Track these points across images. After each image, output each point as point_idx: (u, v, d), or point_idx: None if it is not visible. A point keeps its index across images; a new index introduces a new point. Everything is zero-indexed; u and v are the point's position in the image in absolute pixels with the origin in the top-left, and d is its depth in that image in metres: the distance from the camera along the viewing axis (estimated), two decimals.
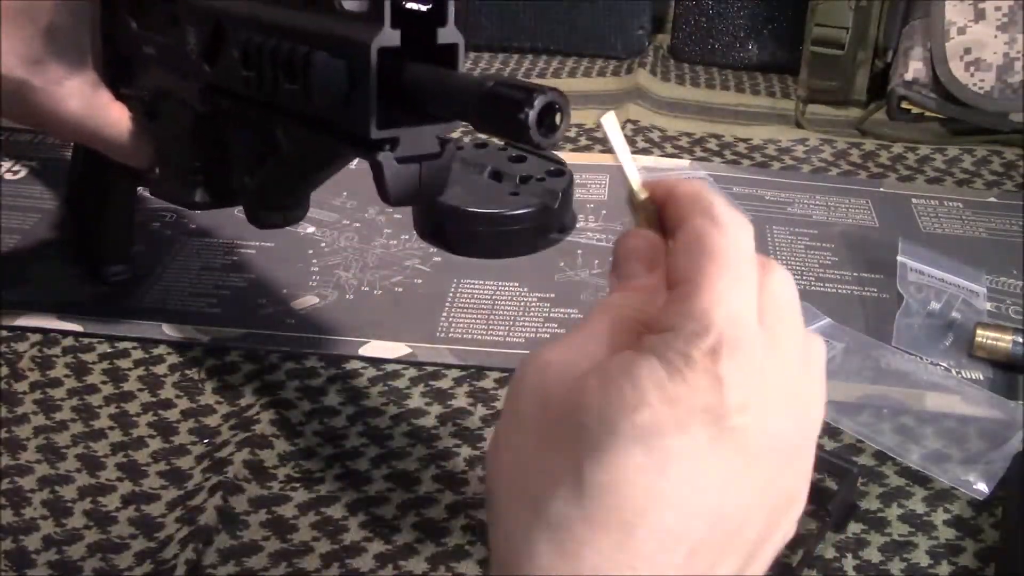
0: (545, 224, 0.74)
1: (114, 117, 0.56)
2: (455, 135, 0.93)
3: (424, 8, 0.38)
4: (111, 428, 0.57)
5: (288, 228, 0.75)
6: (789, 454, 0.31)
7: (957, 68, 0.92)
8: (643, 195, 0.34)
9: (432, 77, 0.37)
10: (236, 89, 0.46)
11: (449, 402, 0.60)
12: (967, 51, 0.92)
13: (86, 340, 0.64)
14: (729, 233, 0.31)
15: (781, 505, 0.31)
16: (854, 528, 0.51)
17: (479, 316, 0.67)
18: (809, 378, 0.33)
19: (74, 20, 0.53)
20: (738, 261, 0.31)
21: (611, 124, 0.33)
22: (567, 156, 0.80)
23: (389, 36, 0.37)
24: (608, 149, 0.34)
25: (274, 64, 0.41)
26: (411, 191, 0.41)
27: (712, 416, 0.29)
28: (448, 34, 0.39)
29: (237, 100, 0.47)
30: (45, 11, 0.52)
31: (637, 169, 0.34)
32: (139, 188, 0.65)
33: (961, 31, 0.92)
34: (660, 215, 0.34)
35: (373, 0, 0.38)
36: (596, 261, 0.73)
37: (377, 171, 0.40)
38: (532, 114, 0.33)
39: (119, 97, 0.56)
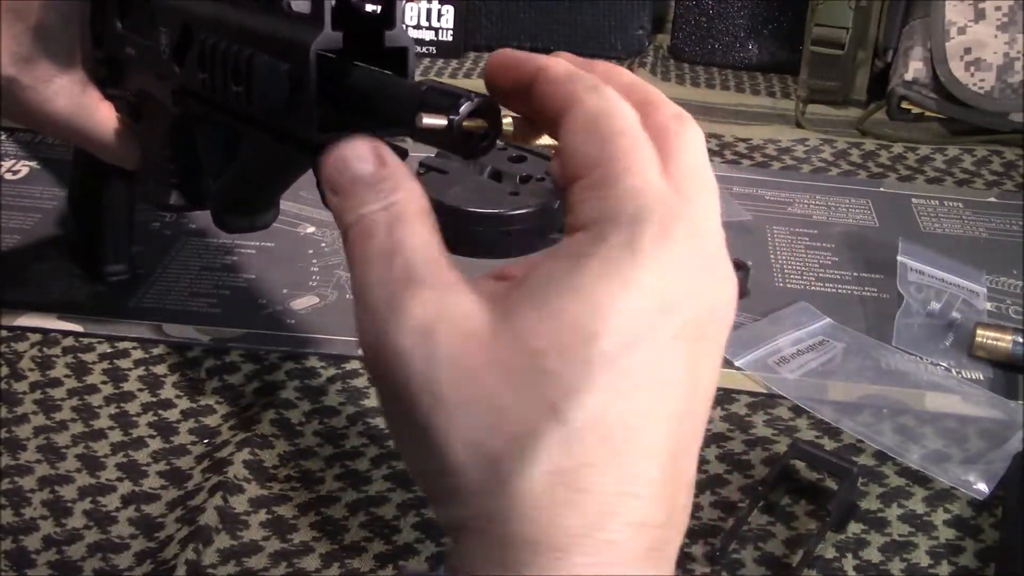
0: (545, 224, 0.74)
1: (102, 117, 0.56)
2: None
3: (372, 10, 0.37)
4: (111, 428, 0.57)
5: (288, 228, 0.76)
6: (703, 325, 0.29)
7: (957, 68, 0.92)
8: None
9: (372, 81, 0.36)
10: (197, 91, 0.46)
11: None
12: (967, 51, 0.92)
13: (86, 340, 0.64)
14: (626, 106, 0.31)
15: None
16: (854, 528, 0.51)
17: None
18: (720, 248, 0.31)
19: (63, 19, 0.53)
20: (643, 133, 0.30)
21: None
22: None
23: (330, 38, 0.36)
24: None
25: (224, 66, 0.41)
26: None
27: (672, 311, 0.28)
28: (397, 37, 0.38)
29: (200, 102, 0.47)
30: (35, 10, 0.52)
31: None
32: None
33: (961, 31, 0.92)
34: (527, 99, 0.33)
35: (315, 2, 0.37)
36: None
37: (318, 177, 0.39)
38: (456, 121, 0.32)
39: (107, 98, 0.56)
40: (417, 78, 0.37)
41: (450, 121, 0.31)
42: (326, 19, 0.36)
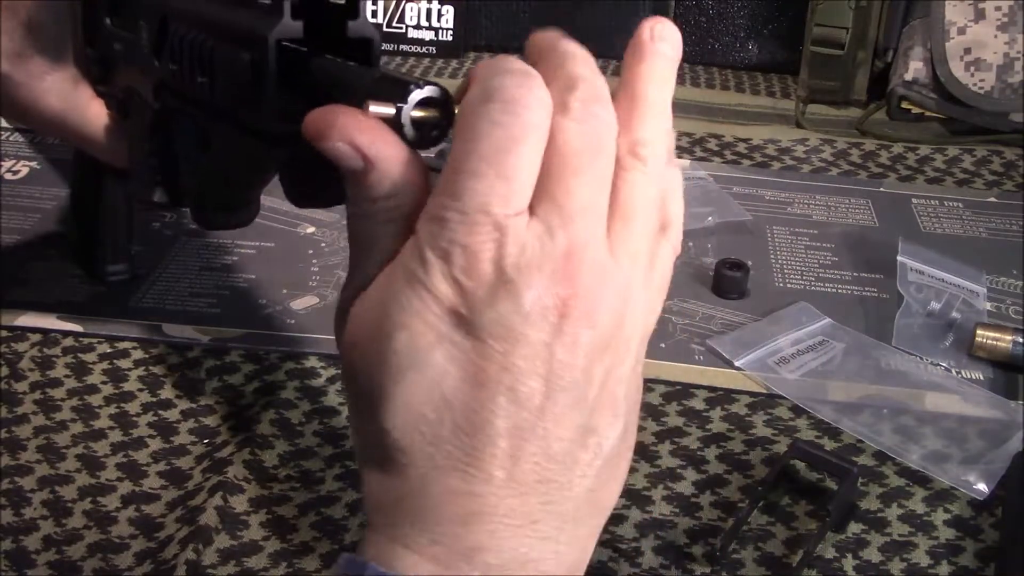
0: None
1: (93, 115, 0.56)
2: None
3: (336, 1, 0.37)
4: (111, 428, 0.57)
5: (288, 229, 0.76)
6: (594, 348, 0.31)
7: (957, 68, 0.92)
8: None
9: (328, 70, 0.36)
10: (171, 84, 0.45)
11: None
12: (967, 51, 0.92)
13: (86, 340, 0.64)
14: (488, 106, 0.30)
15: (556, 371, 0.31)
16: (854, 528, 0.51)
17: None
18: (639, 276, 0.32)
19: (55, 16, 0.53)
20: (495, 136, 0.29)
21: None
22: None
23: (289, 28, 0.36)
24: None
25: (191, 57, 0.41)
26: (314, 194, 0.40)
27: (460, 318, 0.30)
28: (360, 28, 0.37)
29: (175, 95, 0.46)
30: (26, 6, 0.52)
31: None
32: None
33: (961, 31, 0.92)
34: None
35: None
36: None
37: (280, 169, 0.39)
38: (406, 110, 0.31)
39: (98, 95, 0.56)
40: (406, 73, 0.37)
41: (398, 109, 0.31)
42: (285, 8, 0.36)
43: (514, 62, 0.31)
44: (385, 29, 1.10)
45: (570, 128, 0.30)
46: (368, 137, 0.31)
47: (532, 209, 0.30)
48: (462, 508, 0.30)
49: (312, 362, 0.62)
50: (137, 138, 0.55)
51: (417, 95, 0.31)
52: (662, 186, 0.33)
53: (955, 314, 0.67)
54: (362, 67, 0.36)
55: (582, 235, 0.30)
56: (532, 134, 0.30)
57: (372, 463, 0.32)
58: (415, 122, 0.31)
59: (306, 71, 0.36)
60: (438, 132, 0.32)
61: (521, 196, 0.30)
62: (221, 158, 0.46)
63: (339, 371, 0.61)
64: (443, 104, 0.32)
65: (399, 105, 0.31)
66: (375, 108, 0.31)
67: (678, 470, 0.55)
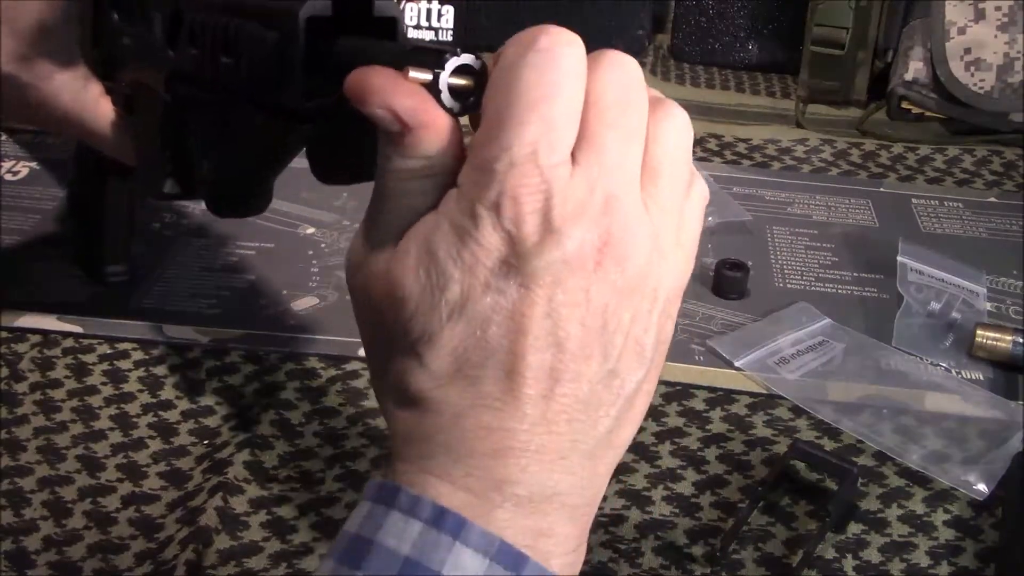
0: None
1: (103, 112, 0.55)
2: None
3: None
4: (111, 429, 0.57)
5: (288, 229, 0.76)
6: (619, 290, 0.32)
7: (957, 68, 0.92)
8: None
9: (357, 47, 0.36)
10: (189, 71, 0.46)
11: None
12: (967, 51, 0.92)
13: (86, 341, 0.64)
14: (528, 55, 0.30)
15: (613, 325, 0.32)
16: (854, 528, 0.51)
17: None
18: (678, 227, 0.34)
19: (63, 15, 0.53)
20: (537, 83, 0.30)
21: None
22: None
23: (317, 6, 0.36)
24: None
25: (213, 39, 0.41)
26: (342, 168, 0.40)
27: (510, 268, 0.30)
28: (386, 7, 0.38)
29: (192, 85, 0.47)
30: (34, 7, 0.52)
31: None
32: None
33: (961, 31, 0.92)
34: None
35: None
36: None
37: (307, 146, 0.39)
38: (443, 76, 0.32)
39: (106, 91, 0.56)
40: None
41: (435, 76, 0.31)
42: None
43: (544, 24, 0.32)
44: None
45: (605, 82, 0.32)
46: (408, 101, 0.31)
47: (573, 158, 0.31)
48: (495, 443, 0.31)
49: (312, 363, 0.62)
50: (145, 131, 0.55)
51: (454, 62, 0.32)
52: (690, 142, 0.34)
53: (955, 314, 0.67)
54: (391, 43, 0.37)
55: (619, 187, 0.31)
56: (572, 80, 0.31)
57: (403, 399, 0.33)
58: (452, 89, 0.32)
59: (335, 48, 0.36)
60: (474, 99, 0.32)
61: (565, 144, 0.31)
62: (241, 143, 0.46)
63: (339, 371, 0.61)
64: (479, 72, 0.32)
65: (436, 71, 0.31)
66: (414, 73, 0.31)
67: (678, 470, 0.55)
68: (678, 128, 0.34)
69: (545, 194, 0.30)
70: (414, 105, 0.31)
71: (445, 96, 0.32)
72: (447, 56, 0.32)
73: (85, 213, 0.67)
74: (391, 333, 0.33)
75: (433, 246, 0.31)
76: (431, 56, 0.32)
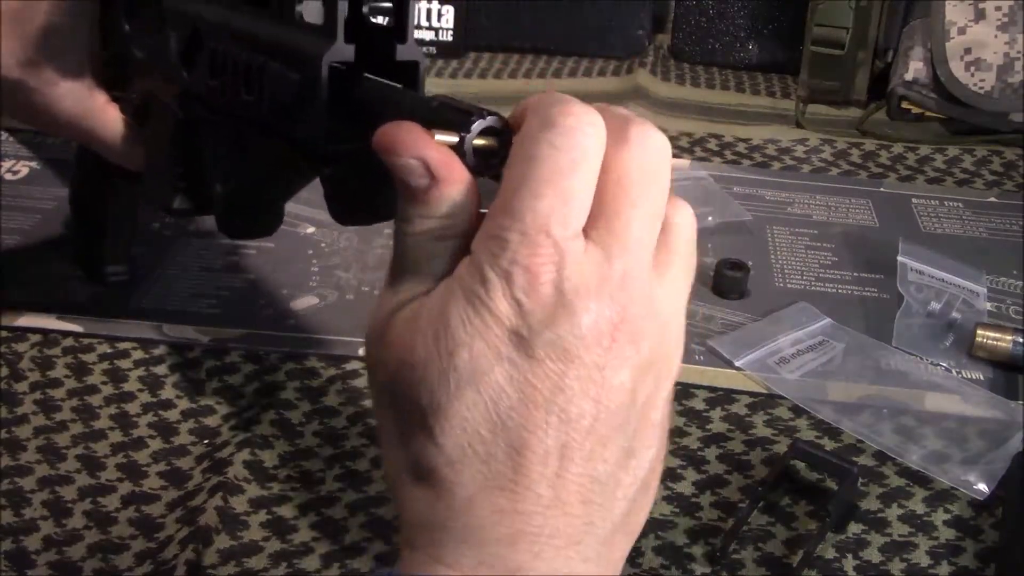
0: None
1: (109, 119, 0.55)
2: None
3: (384, 24, 0.38)
4: (111, 429, 0.57)
5: (288, 229, 0.76)
6: (626, 358, 0.31)
7: (957, 68, 0.92)
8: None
9: (382, 94, 0.37)
10: (204, 96, 0.46)
11: None
12: (967, 51, 0.92)
13: (86, 340, 0.64)
14: (548, 132, 0.30)
15: (625, 394, 0.32)
16: (854, 528, 0.51)
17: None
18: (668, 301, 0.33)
19: (71, 21, 0.53)
20: (555, 160, 0.30)
21: None
22: None
23: (342, 51, 0.37)
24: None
25: (235, 74, 0.41)
26: (361, 210, 0.41)
27: (520, 338, 0.30)
28: (408, 51, 0.38)
29: (206, 108, 0.47)
30: (41, 12, 0.52)
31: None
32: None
33: (961, 31, 0.92)
34: None
35: (328, 14, 0.37)
36: None
37: (325, 187, 0.39)
38: (468, 139, 0.32)
39: (113, 99, 0.56)
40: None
41: (461, 138, 0.32)
42: (339, 31, 0.36)
43: (568, 97, 0.32)
44: None
45: (629, 159, 0.31)
46: (438, 155, 0.31)
47: (587, 233, 0.31)
48: (508, 527, 0.31)
49: (312, 362, 0.62)
50: (156, 144, 0.55)
51: (480, 125, 0.32)
52: (695, 235, 0.34)
53: (955, 314, 0.67)
54: (415, 92, 0.37)
55: (636, 264, 0.31)
56: (590, 159, 0.31)
57: (414, 481, 0.32)
58: (477, 150, 0.32)
59: (356, 93, 0.37)
60: (497, 161, 0.32)
61: (579, 218, 0.31)
62: (256, 169, 0.47)
63: (339, 371, 0.61)
64: (502, 133, 0.32)
65: (463, 134, 0.32)
66: (440, 136, 0.32)
67: (678, 470, 0.55)
68: (691, 220, 0.34)
69: (557, 265, 0.30)
70: (443, 158, 0.31)
71: (469, 158, 0.32)
72: (474, 118, 0.32)
73: (86, 214, 0.67)
74: (403, 406, 0.32)
75: (445, 310, 0.31)
76: (459, 116, 0.32)
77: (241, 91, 0.41)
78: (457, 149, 0.32)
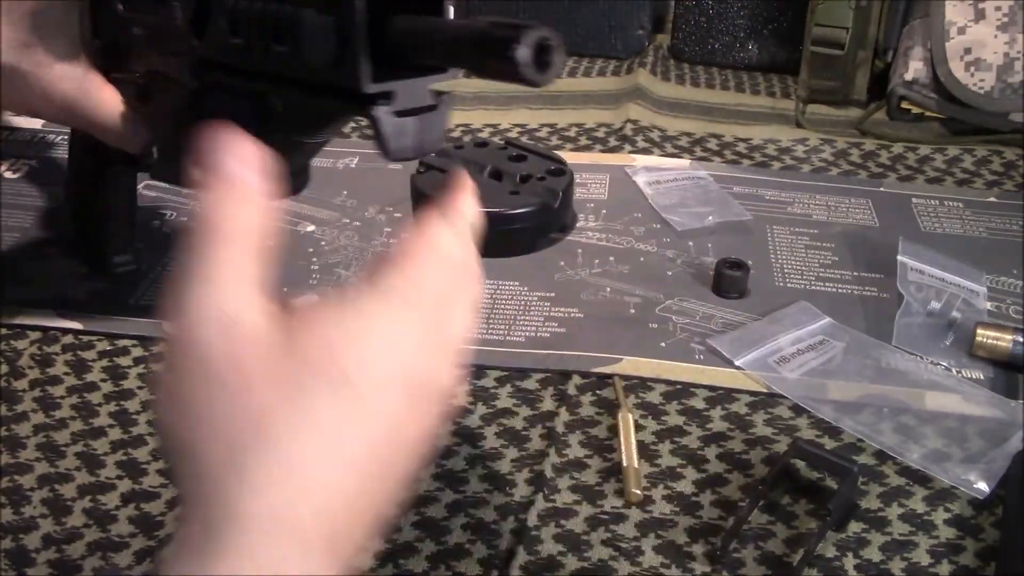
0: (545, 224, 0.74)
1: (106, 100, 0.55)
2: (456, 134, 0.93)
3: None
4: (111, 426, 0.57)
5: (288, 227, 0.76)
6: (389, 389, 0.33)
7: (957, 68, 0.92)
8: None
9: (421, 26, 0.37)
10: (226, 59, 0.45)
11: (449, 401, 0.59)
12: (967, 51, 0.92)
13: (86, 338, 0.64)
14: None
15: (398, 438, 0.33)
16: (854, 527, 0.51)
17: (479, 315, 0.67)
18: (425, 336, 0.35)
19: (61, 4, 0.53)
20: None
21: None
22: (567, 156, 0.80)
23: None
24: None
25: (262, 28, 0.41)
26: (410, 145, 0.41)
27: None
28: None
29: (227, 71, 0.46)
30: None
31: None
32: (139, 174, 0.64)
33: (961, 31, 0.92)
34: None
35: None
36: (596, 260, 0.73)
37: (375, 126, 0.39)
38: (524, 51, 0.32)
39: (111, 81, 0.56)
40: None
41: (515, 50, 0.32)
42: None
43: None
44: None
45: None
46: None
47: None
48: None
49: None
50: (163, 120, 0.55)
51: (533, 36, 0.33)
52: None
53: (955, 314, 0.67)
54: (453, 20, 0.38)
55: None
56: None
57: None
58: (533, 58, 0.33)
59: (393, 29, 0.37)
60: (550, 70, 0.33)
61: None
62: (286, 128, 0.46)
63: None
64: (554, 42, 0.33)
65: (515, 46, 0.33)
66: (522, 52, 0.33)
67: (678, 469, 0.55)
68: None
69: None
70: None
71: (528, 68, 0.33)
72: (525, 28, 0.33)
73: (85, 205, 0.67)
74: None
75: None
76: (507, 29, 0.33)
77: (271, 44, 0.41)
78: (514, 62, 0.32)
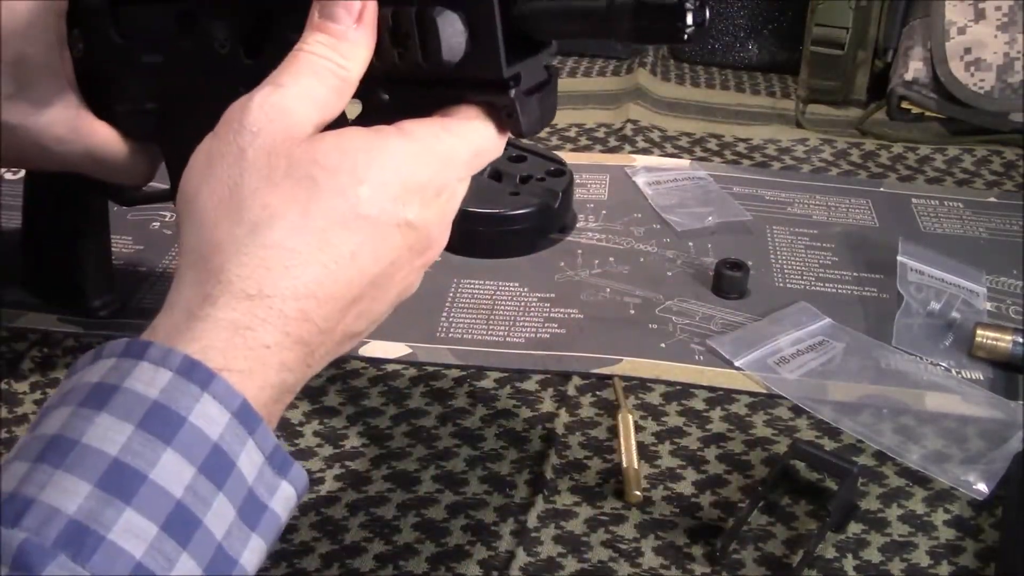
0: (545, 224, 0.73)
1: (102, 136, 0.53)
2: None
3: None
4: None
5: None
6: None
7: (957, 68, 0.92)
8: None
9: (554, 6, 0.39)
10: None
11: (449, 402, 0.60)
12: (967, 51, 0.92)
13: (87, 341, 0.64)
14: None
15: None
16: (854, 528, 0.51)
17: (479, 316, 0.67)
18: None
19: (44, 47, 0.50)
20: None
21: None
22: (567, 156, 0.80)
23: None
24: None
25: (393, 33, 0.41)
26: (538, 120, 0.42)
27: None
28: None
29: None
30: (11, 43, 0.49)
31: None
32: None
33: (961, 31, 0.92)
34: None
35: None
36: (596, 261, 0.73)
37: (512, 109, 0.40)
38: (690, 16, 0.36)
39: (112, 114, 0.54)
40: None
41: (689, 10, 0.36)
42: None
43: None
44: None
45: None
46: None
47: None
48: None
49: None
50: (184, 148, 0.52)
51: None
52: None
53: (955, 314, 0.67)
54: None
55: None
56: None
57: None
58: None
59: (517, 11, 0.39)
60: (704, 25, 0.37)
61: None
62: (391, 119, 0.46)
63: (339, 371, 0.62)
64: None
65: (686, 4, 0.36)
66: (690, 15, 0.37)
67: (678, 470, 0.55)
68: None
69: None
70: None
71: (692, 28, 0.37)
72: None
73: (55, 250, 0.64)
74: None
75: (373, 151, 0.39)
76: None
77: (390, 49, 0.40)
78: (682, 21, 0.36)
